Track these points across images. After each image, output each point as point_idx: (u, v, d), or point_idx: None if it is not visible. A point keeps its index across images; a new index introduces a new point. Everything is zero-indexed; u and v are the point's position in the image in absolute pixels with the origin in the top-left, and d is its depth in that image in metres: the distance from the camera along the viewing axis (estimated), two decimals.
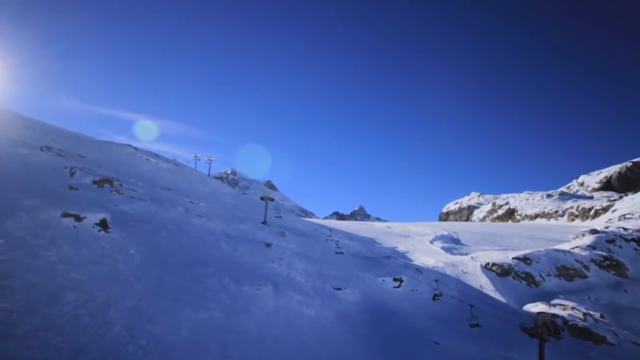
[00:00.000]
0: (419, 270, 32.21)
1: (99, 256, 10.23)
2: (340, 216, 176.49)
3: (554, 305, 26.63)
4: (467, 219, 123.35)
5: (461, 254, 45.84)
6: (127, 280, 9.76)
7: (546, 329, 12.04)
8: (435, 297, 26.39)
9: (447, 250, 48.56)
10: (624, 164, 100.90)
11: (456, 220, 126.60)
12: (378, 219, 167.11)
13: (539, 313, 25.08)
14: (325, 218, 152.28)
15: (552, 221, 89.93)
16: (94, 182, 19.46)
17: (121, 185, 21.01)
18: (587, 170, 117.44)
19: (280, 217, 31.82)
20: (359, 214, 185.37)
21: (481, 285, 31.95)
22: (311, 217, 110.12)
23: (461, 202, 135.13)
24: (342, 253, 27.30)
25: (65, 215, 11.10)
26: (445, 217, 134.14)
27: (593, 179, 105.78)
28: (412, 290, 27.25)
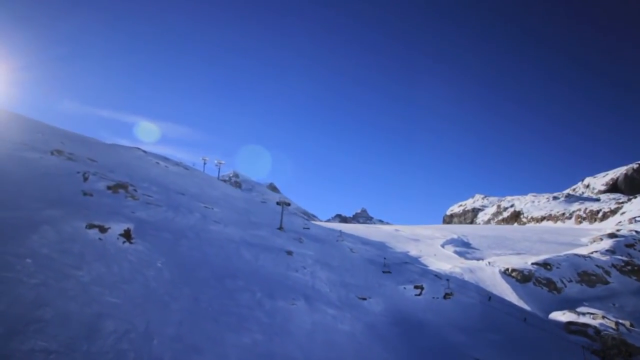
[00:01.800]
0: (437, 276, 31.13)
1: (129, 273, 9.18)
2: (343, 219, 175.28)
3: (583, 314, 25.57)
4: (472, 222, 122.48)
5: (475, 259, 44.79)
6: (162, 301, 8.72)
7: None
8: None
9: (460, 254, 47.46)
10: (630, 165, 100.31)
11: (460, 222, 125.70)
12: (381, 222, 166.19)
13: (568, 322, 24.04)
14: (328, 220, 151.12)
15: (559, 224, 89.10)
16: (108, 188, 18.43)
17: (135, 190, 20.00)
18: (592, 172, 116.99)
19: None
20: (362, 217, 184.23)
21: (504, 293, 30.93)
22: (314, 220, 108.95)
23: (465, 204, 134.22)
24: (390, 272, 26.17)
25: (91, 226, 10.06)
26: (449, 219, 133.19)
27: (599, 181, 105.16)
28: (434, 297, 26.23)
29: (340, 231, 43.50)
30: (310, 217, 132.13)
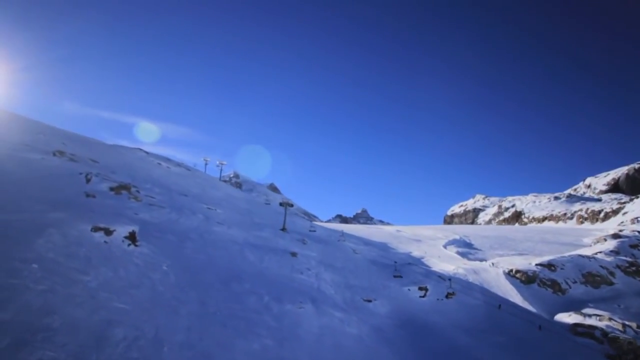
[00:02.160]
0: (441, 277, 30.98)
1: (136, 277, 8.98)
2: (343, 219, 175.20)
3: (589, 316, 25.39)
4: (473, 222, 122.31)
5: (478, 260, 44.68)
6: (170, 306, 8.52)
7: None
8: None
9: (462, 255, 47.36)
10: (632, 165, 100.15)
11: (461, 223, 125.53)
12: (381, 222, 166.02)
13: (575, 324, 23.84)
14: (329, 221, 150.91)
15: (561, 224, 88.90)
16: (111, 189, 18.20)
17: (138, 191, 19.79)
18: (593, 172, 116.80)
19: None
20: (362, 217, 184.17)
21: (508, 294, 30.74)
22: (315, 220, 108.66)
23: (466, 204, 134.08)
24: (400, 276, 25.90)
25: (96, 229, 9.85)
26: (450, 219, 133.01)
27: (600, 181, 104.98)
28: (438, 299, 26.07)
29: (342, 231, 43.37)
30: (310, 217, 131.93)
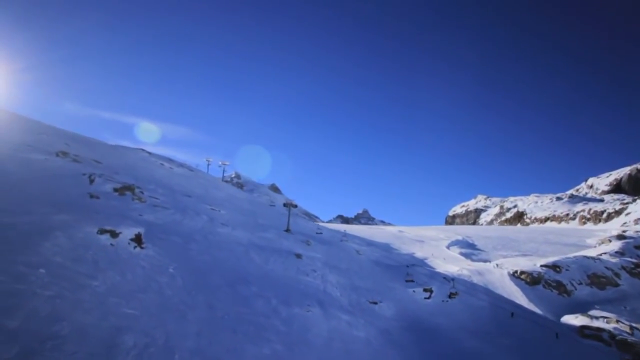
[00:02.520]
0: (446, 279, 30.81)
1: (143, 280, 8.79)
2: (344, 219, 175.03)
3: (596, 318, 25.15)
4: (474, 222, 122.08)
5: (482, 260, 44.48)
6: (178, 310, 8.32)
7: None
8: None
9: (466, 256, 47.17)
10: (634, 165, 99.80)
11: (463, 223, 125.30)
12: (382, 222, 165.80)
13: (582, 326, 23.61)
14: (330, 221, 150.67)
15: (563, 224, 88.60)
16: (115, 190, 18.03)
17: (142, 192, 19.61)
18: (595, 173, 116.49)
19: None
20: (363, 217, 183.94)
21: (514, 295, 30.52)
22: (316, 221, 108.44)
23: (467, 205, 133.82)
24: (412, 281, 25.74)
25: (102, 231, 9.67)
26: (451, 220, 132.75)
27: (602, 182, 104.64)
28: (443, 301, 25.87)
29: (344, 232, 43.19)
30: (312, 218, 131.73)
